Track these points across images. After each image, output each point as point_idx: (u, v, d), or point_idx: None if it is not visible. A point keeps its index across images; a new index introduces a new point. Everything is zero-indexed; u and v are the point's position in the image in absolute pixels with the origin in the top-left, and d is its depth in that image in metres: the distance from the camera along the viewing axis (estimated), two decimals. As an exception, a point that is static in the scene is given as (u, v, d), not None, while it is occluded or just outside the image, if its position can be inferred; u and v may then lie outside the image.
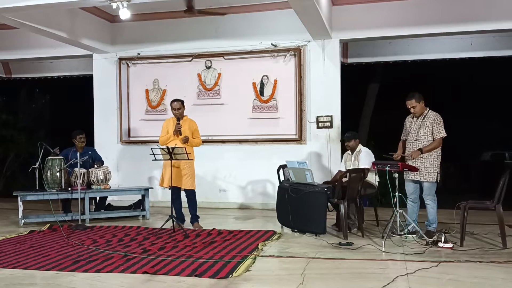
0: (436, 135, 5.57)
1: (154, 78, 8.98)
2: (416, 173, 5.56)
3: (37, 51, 9.19)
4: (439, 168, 5.61)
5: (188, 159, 6.09)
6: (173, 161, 6.11)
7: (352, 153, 6.31)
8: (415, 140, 5.67)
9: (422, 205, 5.79)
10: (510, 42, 8.59)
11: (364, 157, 6.12)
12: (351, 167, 6.12)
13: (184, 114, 6.52)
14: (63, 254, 5.05)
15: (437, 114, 5.65)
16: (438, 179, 5.61)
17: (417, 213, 5.82)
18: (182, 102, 6.47)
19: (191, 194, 6.47)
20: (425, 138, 5.61)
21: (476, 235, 5.77)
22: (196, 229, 6.33)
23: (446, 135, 5.59)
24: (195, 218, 6.53)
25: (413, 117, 5.82)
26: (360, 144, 6.33)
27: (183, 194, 6.56)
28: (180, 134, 6.33)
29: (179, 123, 6.35)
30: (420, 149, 5.54)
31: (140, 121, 9.09)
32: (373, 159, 6.09)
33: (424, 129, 5.62)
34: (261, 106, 8.45)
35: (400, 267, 4.44)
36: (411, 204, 5.79)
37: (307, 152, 8.12)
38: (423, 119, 5.66)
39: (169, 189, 6.38)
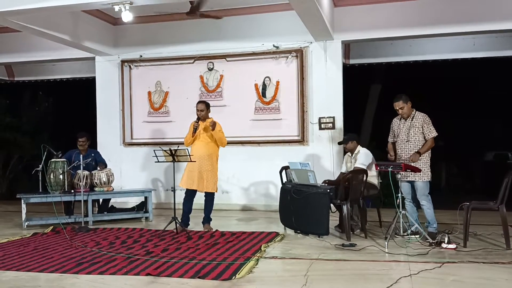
0: (428, 135, 5.62)
1: (156, 80, 9.01)
2: (411, 173, 5.57)
3: (39, 53, 9.22)
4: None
5: (191, 161, 6.12)
6: (195, 163, 6.18)
7: (352, 154, 6.30)
8: (406, 142, 5.71)
9: (417, 205, 5.80)
10: (512, 42, 8.58)
11: (360, 157, 6.09)
12: (352, 169, 6.12)
13: (210, 116, 6.54)
14: (66, 256, 5.06)
15: (425, 114, 5.71)
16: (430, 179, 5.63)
17: (416, 213, 5.83)
18: (206, 104, 6.52)
19: (209, 196, 6.49)
20: (416, 138, 5.65)
21: (479, 236, 5.76)
22: (207, 230, 6.35)
23: (437, 134, 5.63)
24: (207, 220, 6.53)
25: (400, 119, 5.85)
26: (359, 145, 6.31)
27: (196, 199, 6.55)
28: (194, 132, 6.36)
29: (197, 121, 6.40)
30: (418, 152, 5.56)
31: (143, 123, 9.11)
32: (371, 160, 6.08)
33: (414, 130, 5.66)
34: (263, 108, 8.45)
35: (404, 268, 4.43)
36: (410, 204, 5.80)
37: (309, 153, 8.12)
38: (412, 120, 5.71)
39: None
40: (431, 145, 5.62)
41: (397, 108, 5.75)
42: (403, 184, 5.74)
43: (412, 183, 5.71)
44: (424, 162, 5.59)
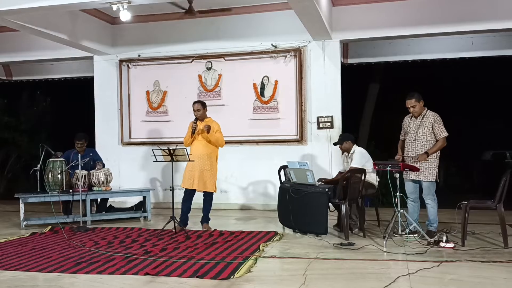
0: (440, 135, 5.57)
1: (154, 80, 9.00)
2: (416, 173, 5.56)
3: (37, 53, 9.21)
4: (438, 168, 5.63)
5: (189, 160, 6.12)
6: (195, 162, 6.20)
7: (348, 154, 6.30)
8: (414, 140, 5.68)
9: (422, 205, 5.80)
10: (510, 42, 8.58)
11: (355, 157, 6.10)
12: (348, 169, 6.11)
13: (208, 115, 6.56)
14: (64, 256, 5.05)
15: (436, 114, 5.66)
16: (438, 179, 5.62)
17: (418, 213, 5.83)
18: (202, 103, 6.51)
19: (208, 195, 6.49)
20: (424, 138, 5.62)
21: (477, 235, 5.77)
22: (205, 229, 6.35)
23: (447, 134, 5.60)
24: (206, 219, 6.53)
25: (411, 117, 5.82)
26: (355, 145, 6.30)
27: (195, 198, 6.54)
28: (193, 133, 6.36)
29: (195, 123, 6.40)
30: (426, 152, 5.53)
31: (141, 123, 9.10)
32: (367, 159, 6.09)
33: (423, 129, 5.63)
34: (262, 107, 8.45)
35: (402, 267, 4.44)
36: (412, 204, 5.80)
37: (308, 152, 8.12)
38: (422, 119, 5.67)
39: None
40: (442, 145, 5.57)
41: (409, 106, 5.70)
42: (407, 183, 5.74)
43: (418, 182, 5.71)
44: (430, 162, 5.56)
